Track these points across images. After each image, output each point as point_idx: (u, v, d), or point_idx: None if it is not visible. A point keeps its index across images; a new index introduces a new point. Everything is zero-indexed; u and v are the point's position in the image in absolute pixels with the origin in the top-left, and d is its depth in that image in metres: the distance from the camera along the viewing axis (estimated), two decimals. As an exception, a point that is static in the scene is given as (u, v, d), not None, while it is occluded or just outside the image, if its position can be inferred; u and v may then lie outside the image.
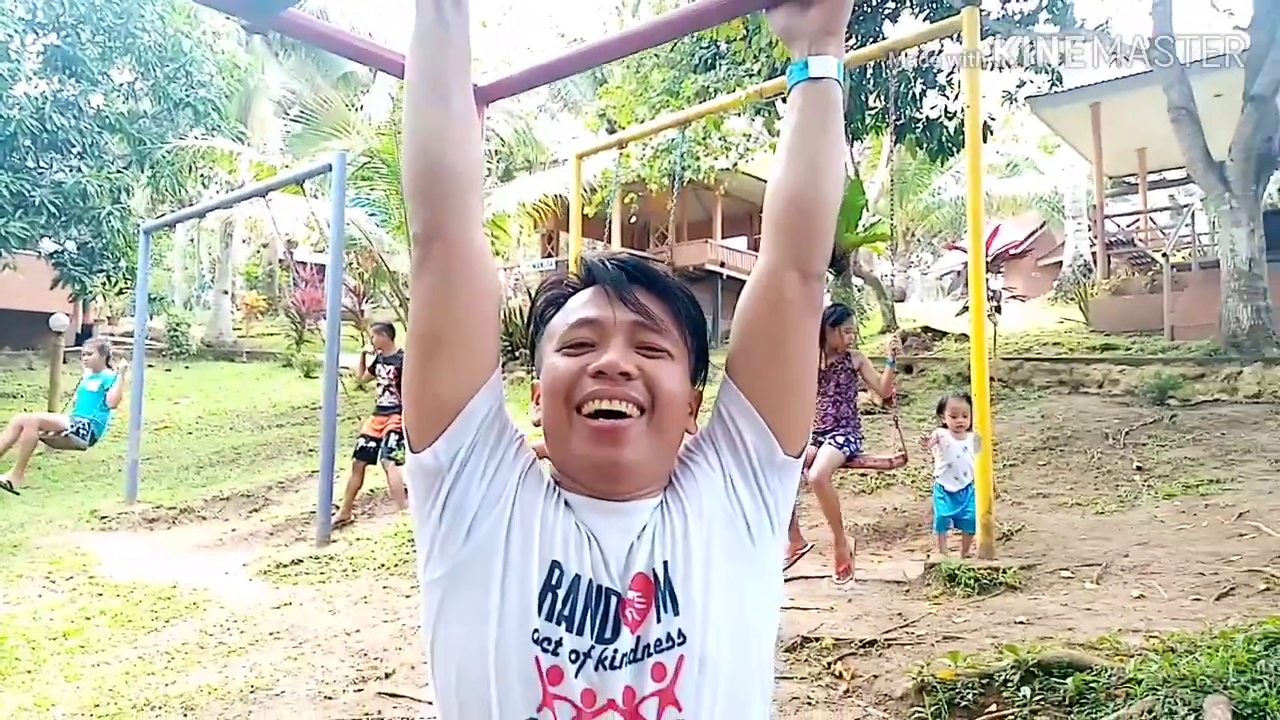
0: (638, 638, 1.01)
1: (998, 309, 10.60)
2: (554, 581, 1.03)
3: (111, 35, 12.50)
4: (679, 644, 1.01)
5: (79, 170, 12.07)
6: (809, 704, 3.49)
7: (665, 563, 1.05)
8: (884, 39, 10.47)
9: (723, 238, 20.69)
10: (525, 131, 19.66)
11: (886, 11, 11.70)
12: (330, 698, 3.97)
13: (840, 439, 5.68)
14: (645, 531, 1.07)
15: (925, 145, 12.80)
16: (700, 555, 1.06)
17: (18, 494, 8.62)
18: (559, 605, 1.02)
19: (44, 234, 12.06)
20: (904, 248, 29.25)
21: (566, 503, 1.09)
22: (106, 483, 11.01)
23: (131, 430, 9.96)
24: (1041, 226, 26.61)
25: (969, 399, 5.99)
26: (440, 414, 1.08)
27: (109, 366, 8.76)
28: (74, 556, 7.26)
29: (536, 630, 1.00)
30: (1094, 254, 16.86)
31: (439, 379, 1.08)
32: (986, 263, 12.05)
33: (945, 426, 5.92)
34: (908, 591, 4.94)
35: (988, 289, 12.74)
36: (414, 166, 1.10)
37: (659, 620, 1.02)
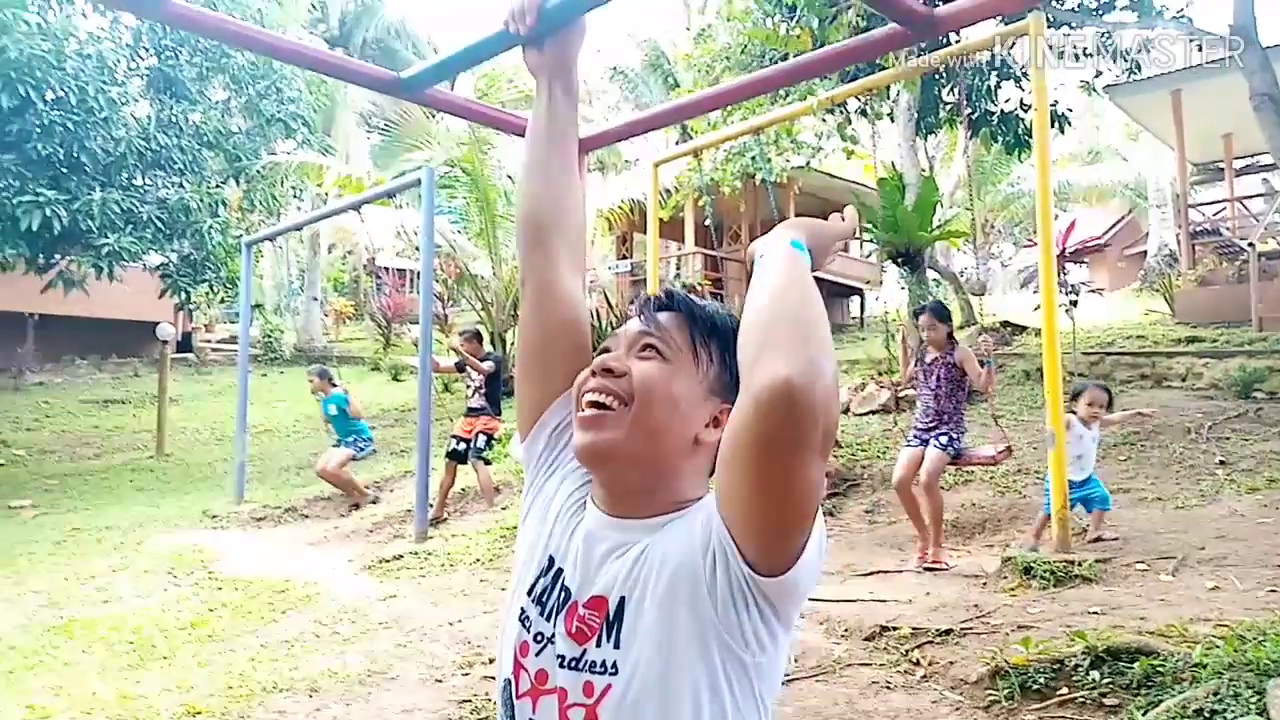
0: (583, 650, 1.10)
1: (1075, 303, 10.53)
2: (546, 570, 1.21)
3: (207, 56, 13.20)
4: (610, 674, 1.07)
5: (181, 186, 12.78)
6: (887, 688, 3.70)
7: (624, 597, 1.10)
8: (953, 42, 10.51)
9: (797, 234, 20.73)
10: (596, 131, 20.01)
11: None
12: (440, 681, 4.30)
13: (944, 439, 5.84)
14: (627, 555, 1.12)
15: (1001, 139, 12.72)
16: (656, 607, 1.07)
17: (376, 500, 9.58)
18: (541, 591, 1.19)
19: (150, 247, 12.79)
20: (983, 240, 28.88)
21: (584, 506, 1.23)
22: (215, 484, 11.66)
23: (237, 434, 10.57)
24: (1127, 215, 26.00)
25: (1107, 389, 6.08)
26: (528, 418, 1.37)
27: (334, 385, 9.44)
28: (193, 553, 7.79)
29: (523, 609, 1.19)
30: (1179, 243, 16.53)
31: (527, 390, 1.37)
32: (1064, 256, 11.95)
33: (1074, 413, 5.89)
34: (984, 585, 5.09)
35: (1065, 283, 12.64)
36: (517, 217, 1.45)
37: (599, 645, 1.09)
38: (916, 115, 12.51)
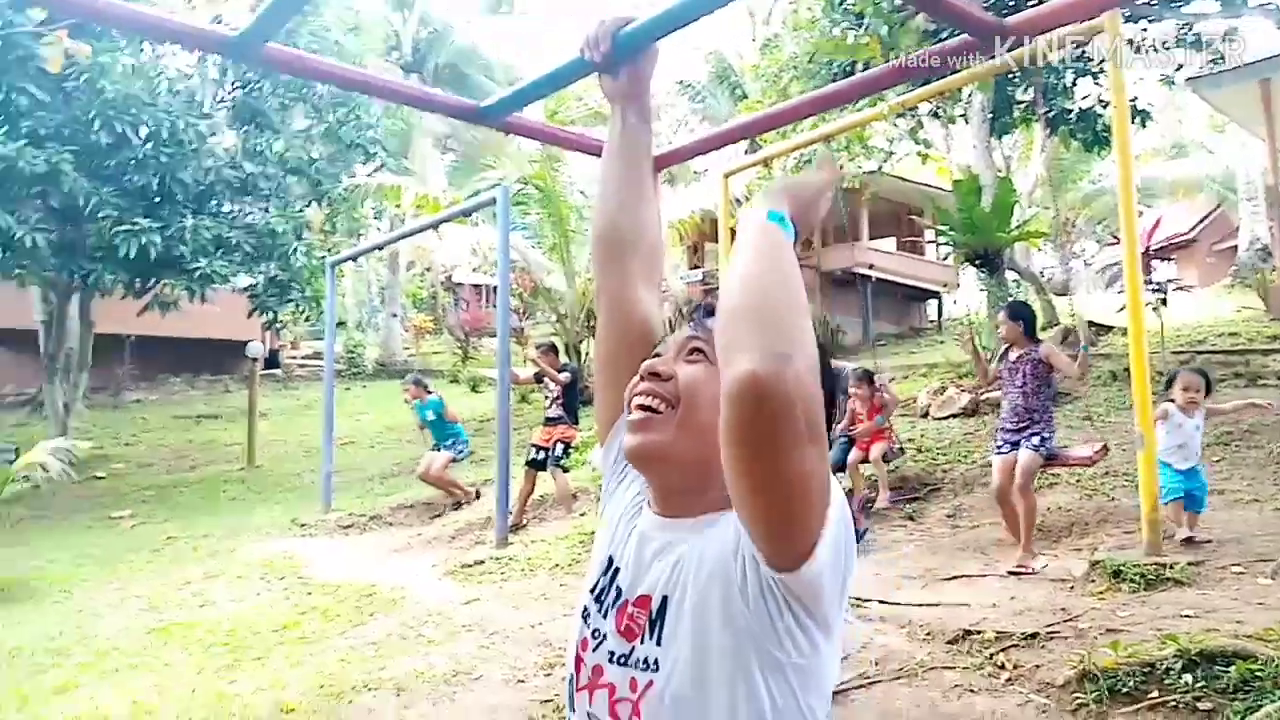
0: (631, 647, 1.14)
1: (1163, 301, 10.22)
2: (605, 569, 1.25)
3: (289, 87, 13.69)
4: (652, 670, 1.10)
5: (267, 211, 13.27)
6: (971, 691, 3.66)
7: (665, 597, 1.13)
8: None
9: (870, 240, 20.54)
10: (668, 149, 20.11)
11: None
12: (522, 681, 4.39)
13: (1036, 439, 5.74)
14: (670, 555, 1.15)
15: (1079, 136, 12.45)
16: (694, 604, 1.09)
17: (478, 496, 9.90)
18: (600, 590, 1.23)
19: (239, 270, 13.30)
20: (1065, 239, 28.20)
21: (640, 510, 1.27)
22: (303, 494, 12.01)
23: (325, 445, 10.89)
24: (1215, 210, 25.10)
25: (1204, 373, 5.89)
26: (605, 425, 1.42)
27: (429, 392, 9.79)
28: (283, 560, 8.06)
29: (586, 607, 1.24)
30: (1273, 236, 15.89)
31: (605, 398, 1.42)
32: (1149, 253, 11.61)
33: (1171, 401, 5.74)
34: (1071, 588, 4.97)
35: (1152, 280, 12.29)
36: (593, 234, 1.51)
37: (643, 642, 1.13)
38: (991, 116, 12.31)
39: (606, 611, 1.21)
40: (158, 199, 12.13)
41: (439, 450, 9.70)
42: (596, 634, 1.20)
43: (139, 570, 8.30)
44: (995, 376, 6.34)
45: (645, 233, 1.47)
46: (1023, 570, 5.51)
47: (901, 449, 7.97)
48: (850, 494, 7.51)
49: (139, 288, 13.45)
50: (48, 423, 14.95)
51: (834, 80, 11.88)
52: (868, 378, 7.74)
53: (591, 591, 1.25)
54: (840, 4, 10.39)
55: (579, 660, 1.22)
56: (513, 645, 5.00)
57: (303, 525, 9.73)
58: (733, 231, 10.42)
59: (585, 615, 1.24)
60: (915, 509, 7.77)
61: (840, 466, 7.48)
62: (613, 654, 1.17)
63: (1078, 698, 3.38)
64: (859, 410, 7.66)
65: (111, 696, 4.83)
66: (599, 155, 1.59)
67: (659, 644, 1.11)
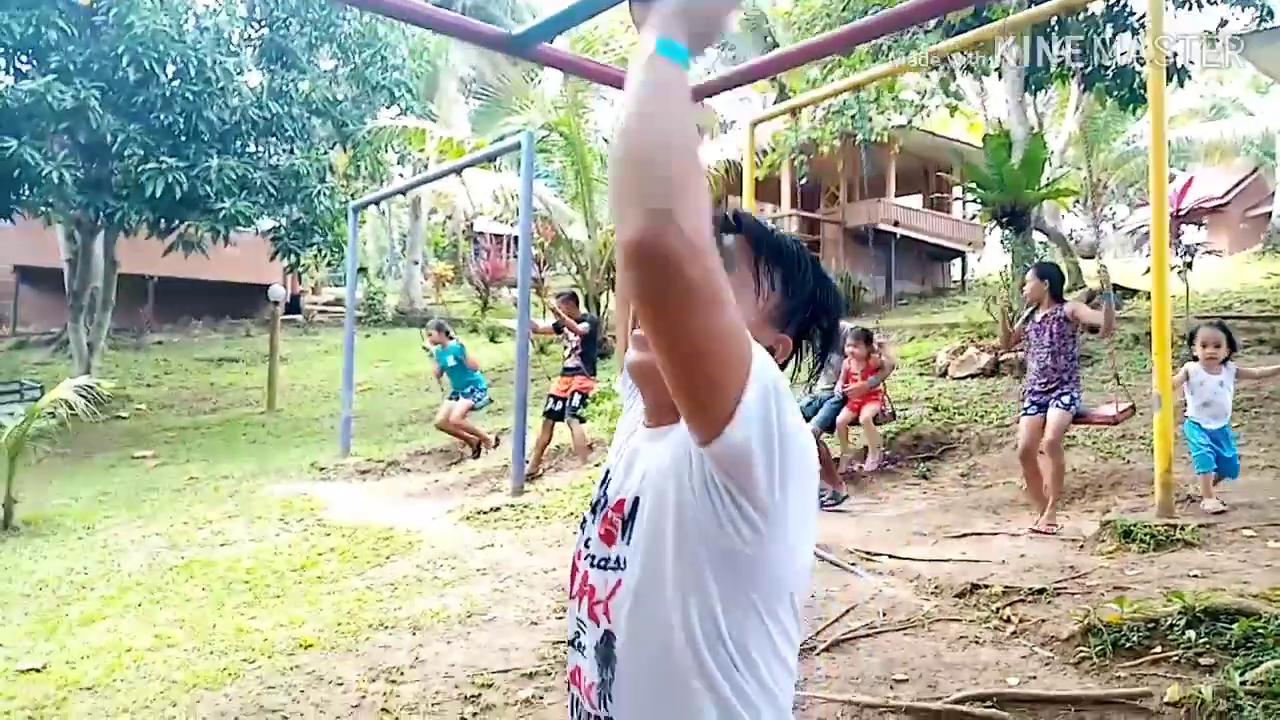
0: (609, 551, 1.18)
1: (1189, 264, 10.09)
2: (602, 482, 1.30)
3: (316, 26, 13.60)
4: (621, 570, 1.15)
5: (291, 153, 13.26)
6: (976, 642, 3.70)
7: (637, 499, 1.16)
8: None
9: (896, 196, 20.29)
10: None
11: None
12: (535, 623, 4.46)
13: (1066, 398, 5.72)
14: (646, 461, 1.18)
15: (1115, 94, 12.20)
16: (653, 508, 1.12)
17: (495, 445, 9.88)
18: (595, 502, 1.27)
19: (263, 212, 13.32)
20: (1095, 201, 27.75)
21: (637, 426, 1.30)
22: (322, 438, 12.14)
23: (344, 390, 11.00)
24: (1251, 174, 24.63)
25: (1224, 328, 5.83)
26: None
27: (450, 338, 9.82)
28: (302, 502, 8.17)
29: (584, 518, 1.28)
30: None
31: (625, 331, 1.42)
32: (1179, 216, 11.43)
33: (1194, 359, 5.70)
34: (1081, 547, 4.99)
35: (1180, 244, 12.11)
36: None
37: (616, 544, 1.17)
38: (1025, 71, 12.07)
39: (596, 520, 1.25)
40: (183, 137, 12.12)
41: (457, 399, 9.72)
42: (586, 543, 1.24)
43: (161, 509, 8.45)
44: (1019, 337, 6.29)
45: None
46: (1050, 530, 5.49)
47: (894, 413, 7.81)
48: (836, 460, 7.43)
49: (163, 228, 13.51)
50: (72, 362, 15.15)
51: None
52: (865, 336, 7.53)
53: (591, 507, 1.29)
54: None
55: (574, 570, 1.26)
56: (526, 589, 5.08)
57: (321, 469, 9.85)
58: (757, 183, 10.36)
59: (582, 525, 1.29)
60: (929, 468, 7.78)
61: (830, 427, 7.39)
62: (594, 558, 1.21)
63: (1081, 651, 3.41)
64: (854, 370, 7.46)
65: (135, 628, 4.96)
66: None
67: (628, 544, 1.15)
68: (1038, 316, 5.99)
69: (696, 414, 0.99)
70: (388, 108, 15.68)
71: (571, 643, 1.25)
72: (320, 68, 14.43)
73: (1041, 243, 15.96)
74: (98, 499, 9.15)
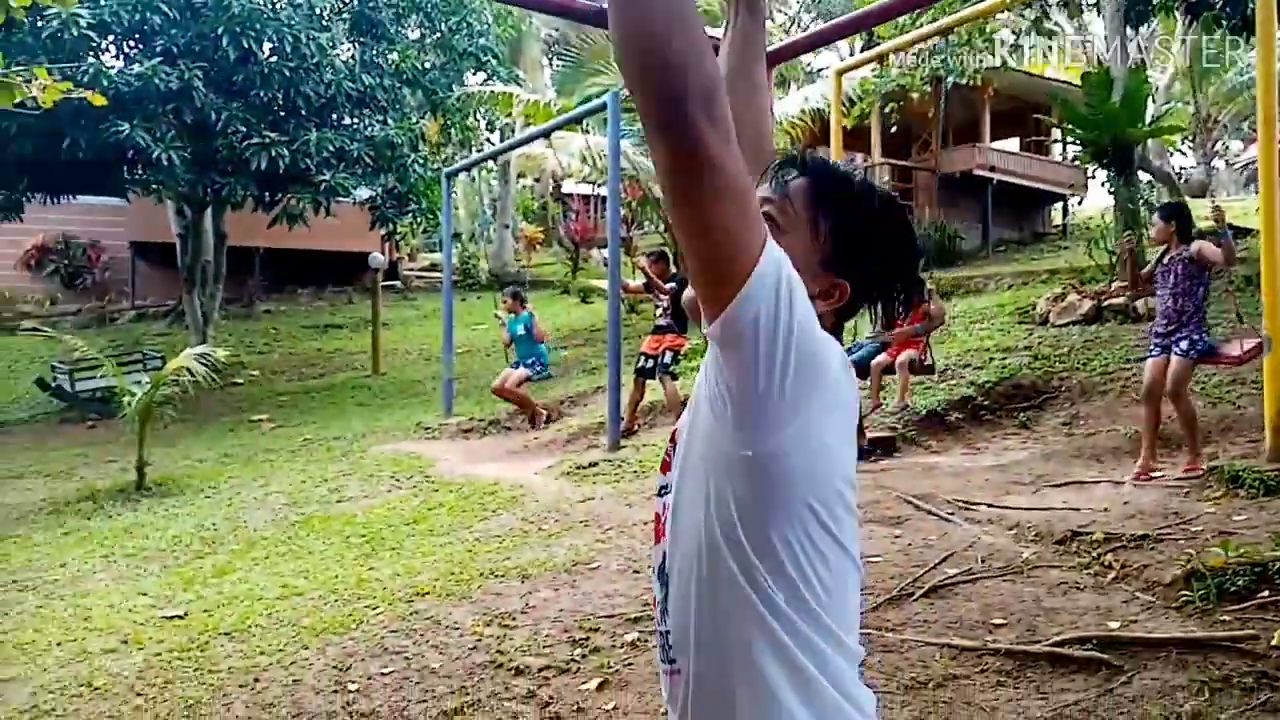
0: (667, 479, 1.25)
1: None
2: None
3: (403, -5, 13.85)
4: (669, 493, 1.22)
5: (385, 123, 13.58)
6: (1077, 588, 3.71)
7: (684, 426, 1.23)
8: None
9: (991, 140, 19.69)
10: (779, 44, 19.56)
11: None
12: (637, 572, 4.63)
13: (1185, 343, 5.61)
14: (693, 400, 1.23)
15: (1226, 23, 11.58)
16: (689, 426, 1.20)
17: (551, 418, 10.13)
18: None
19: (360, 183, 13.71)
20: (1205, 137, 26.37)
21: None
22: (425, 400, 12.56)
23: (445, 353, 11.35)
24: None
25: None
26: None
27: (523, 306, 10.08)
28: (410, 460, 8.53)
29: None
30: None
31: None
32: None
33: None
34: (1187, 494, 4.92)
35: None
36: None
37: (669, 471, 1.24)
38: (1126, 3, 11.55)
39: (666, 459, 1.30)
40: (282, 113, 12.55)
41: (518, 367, 9.92)
42: (662, 478, 1.30)
43: (279, 469, 8.90)
44: (1148, 278, 6.17)
45: (756, 125, 1.50)
46: (1192, 473, 5.38)
47: (932, 365, 7.69)
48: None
49: (268, 201, 14.04)
50: (188, 332, 15.92)
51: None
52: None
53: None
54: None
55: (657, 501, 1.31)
56: (627, 539, 5.25)
57: (426, 429, 10.22)
58: (846, 131, 10.22)
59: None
60: (1029, 417, 7.68)
61: (863, 369, 7.40)
62: (661, 488, 1.27)
63: (1184, 595, 3.41)
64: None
65: (264, 579, 5.30)
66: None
67: (674, 469, 1.23)
68: (1165, 259, 5.88)
69: (711, 288, 1.03)
70: (474, 74, 15.91)
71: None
72: (409, 37, 14.68)
73: (1148, 183, 15.31)
74: (220, 460, 9.67)
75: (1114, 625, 3.35)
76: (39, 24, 10.73)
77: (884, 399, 7.94)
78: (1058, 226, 21.08)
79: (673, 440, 1.27)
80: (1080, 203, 21.93)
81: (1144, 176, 13.94)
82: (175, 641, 4.37)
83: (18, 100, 4.39)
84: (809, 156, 1.28)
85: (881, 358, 7.59)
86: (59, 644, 4.46)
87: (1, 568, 6.00)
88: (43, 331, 13.18)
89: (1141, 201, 11.68)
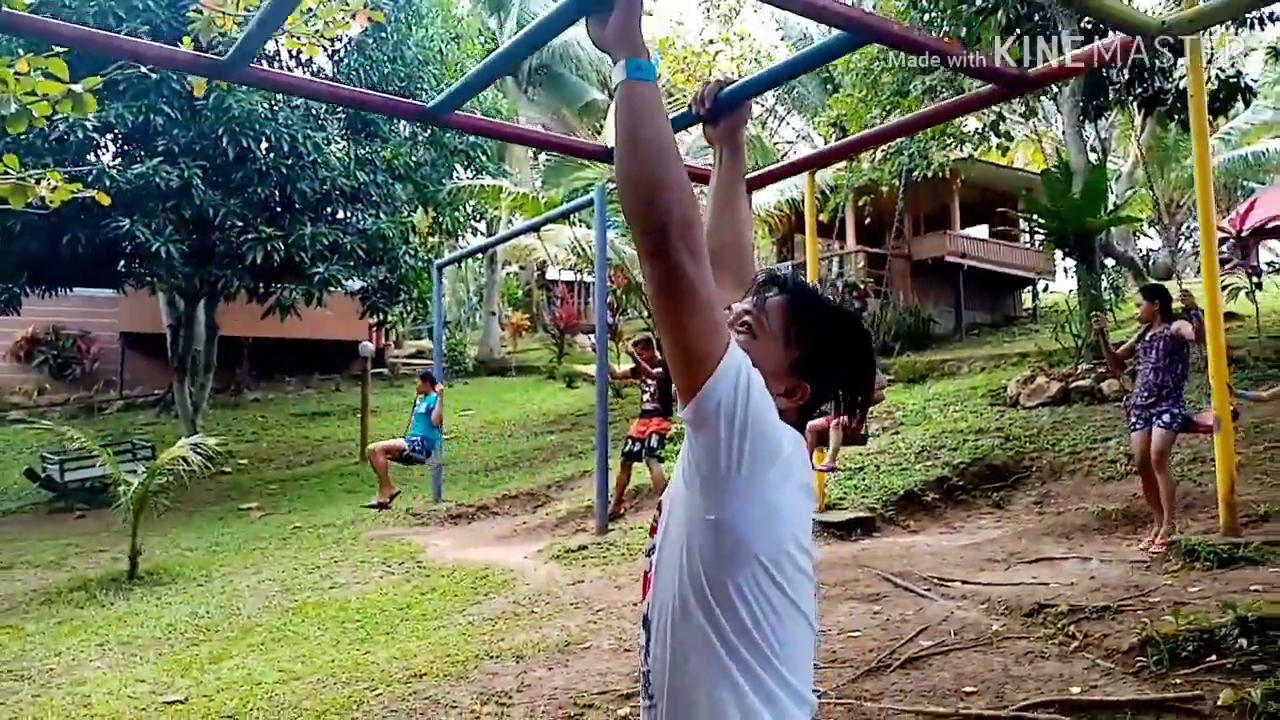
0: (654, 541, 1.44)
1: (1258, 285, 10.10)
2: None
3: (398, 96, 14.42)
4: (655, 553, 1.43)
5: (378, 217, 14.02)
6: (1042, 657, 3.95)
7: (668, 495, 1.44)
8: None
9: (961, 227, 20.37)
10: (754, 140, 20.24)
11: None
12: (629, 650, 4.82)
13: (1166, 416, 5.92)
14: (676, 471, 1.43)
15: (1179, 116, 12.25)
16: (671, 495, 1.42)
17: (388, 508, 10.26)
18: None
19: (353, 274, 14.08)
20: (1169, 221, 27.21)
21: None
22: (414, 486, 12.69)
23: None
24: (1331, 187, 24.03)
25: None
26: None
27: (432, 388, 10.36)
28: (401, 546, 8.66)
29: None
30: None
31: None
32: (1242, 238, 11.40)
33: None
34: (1148, 568, 5.18)
35: (1248, 264, 12.04)
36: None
37: (655, 534, 1.45)
38: (1082, 101, 12.22)
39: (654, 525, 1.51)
40: (279, 208, 12.98)
41: (404, 439, 10.18)
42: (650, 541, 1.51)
43: (270, 556, 9.00)
44: (1128, 353, 6.53)
45: (736, 249, 1.80)
46: (1162, 548, 5.61)
47: (866, 437, 8.22)
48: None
49: (261, 292, 14.38)
50: (176, 422, 16.06)
51: (922, 70, 11.95)
52: None
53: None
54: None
55: (647, 560, 1.50)
56: (617, 619, 5.44)
57: (416, 515, 10.37)
58: (818, 224, 10.68)
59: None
60: (1001, 497, 7.96)
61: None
62: (648, 549, 1.48)
63: (1139, 661, 3.65)
64: None
65: (261, 665, 5.42)
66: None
67: (661, 533, 1.43)
68: (1147, 335, 6.26)
69: (685, 380, 1.24)
70: (464, 169, 16.47)
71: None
72: (401, 135, 15.24)
73: (1114, 267, 15.86)
74: (211, 549, 9.76)
75: (1075, 690, 3.58)
76: (46, 127, 11.15)
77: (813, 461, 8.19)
78: (1028, 310, 21.66)
79: (659, 508, 1.48)
80: (1046, 288, 22.57)
81: (1108, 261, 14.47)
82: (178, 725, 4.50)
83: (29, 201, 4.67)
84: (788, 278, 1.52)
85: (818, 422, 7.84)
86: (62, 730, 4.59)
87: (-5, 657, 6.05)
88: (35, 423, 13.32)
89: (1106, 286, 12.17)
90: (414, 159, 14.75)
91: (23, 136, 10.72)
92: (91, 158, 12.18)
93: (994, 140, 13.03)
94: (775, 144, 25.34)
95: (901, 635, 4.46)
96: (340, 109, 13.67)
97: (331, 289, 13.74)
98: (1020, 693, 3.64)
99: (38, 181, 4.79)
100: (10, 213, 4.91)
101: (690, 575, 1.31)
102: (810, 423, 7.08)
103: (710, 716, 1.30)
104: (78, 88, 3.51)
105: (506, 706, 4.25)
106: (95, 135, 11.91)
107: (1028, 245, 21.09)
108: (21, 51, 3.93)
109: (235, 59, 1.85)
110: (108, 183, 10.87)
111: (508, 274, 29.63)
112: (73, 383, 22.39)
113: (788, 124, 29.42)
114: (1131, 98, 12.30)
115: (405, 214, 14.88)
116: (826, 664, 4.19)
